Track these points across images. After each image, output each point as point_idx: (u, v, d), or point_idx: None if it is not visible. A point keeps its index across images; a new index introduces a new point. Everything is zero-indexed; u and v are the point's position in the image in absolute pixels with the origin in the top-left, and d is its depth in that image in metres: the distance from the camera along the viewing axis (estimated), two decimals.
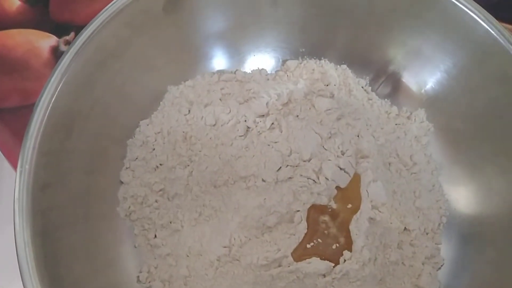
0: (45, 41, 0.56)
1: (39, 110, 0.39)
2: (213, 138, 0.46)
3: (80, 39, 0.42)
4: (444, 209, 0.48)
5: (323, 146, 0.45)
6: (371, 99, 0.51)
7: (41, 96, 0.39)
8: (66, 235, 0.40)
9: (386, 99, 0.51)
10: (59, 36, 0.56)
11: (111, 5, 0.43)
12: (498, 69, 0.43)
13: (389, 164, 0.48)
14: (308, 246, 0.43)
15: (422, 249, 0.46)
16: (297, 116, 0.46)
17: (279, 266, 0.42)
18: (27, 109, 0.53)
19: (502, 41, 0.42)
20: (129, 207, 0.45)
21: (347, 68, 0.52)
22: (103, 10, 0.42)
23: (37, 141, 0.38)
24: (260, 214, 0.43)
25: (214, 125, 0.47)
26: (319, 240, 0.43)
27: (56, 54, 0.55)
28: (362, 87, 0.52)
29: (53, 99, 0.39)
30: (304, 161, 0.44)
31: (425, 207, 0.47)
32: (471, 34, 0.44)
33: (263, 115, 0.47)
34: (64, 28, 0.56)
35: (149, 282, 0.44)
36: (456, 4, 0.43)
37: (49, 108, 0.39)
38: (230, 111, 0.48)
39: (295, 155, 0.44)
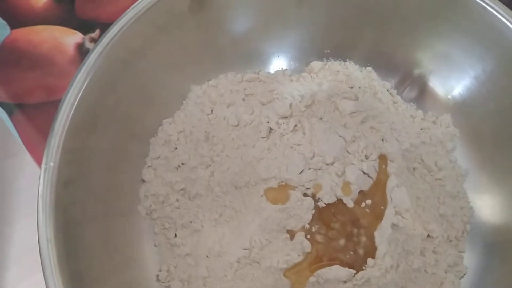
0: (71, 38, 0.56)
1: (64, 108, 0.39)
2: (235, 138, 0.46)
3: (106, 38, 0.42)
4: (468, 216, 0.47)
5: (346, 150, 0.44)
6: (396, 103, 0.50)
7: (67, 94, 0.39)
8: (87, 231, 0.40)
9: (411, 103, 0.51)
10: (84, 33, 0.56)
11: (136, 4, 0.43)
12: None
13: (414, 169, 0.47)
14: (331, 250, 0.42)
15: (445, 256, 0.45)
16: (321, 118, 0.46)
17: (297, 272, 0.42)
18: (51, 105, 0.53)
19: None
20: (150, 205, 0.45)
21: (372, 71, 0.51)
22: (129, 9, 0.43)
23: (61, 138, 0.38)
24: (281, 217, 0.42)
25: (236, 125, 0.47)
26: (341, 245, 0.43)
27: (81, 51, 0.56)
28: (387, 90, 0.51)
29: (79, 97, 0.39)
30: (327, 164, 0.44)
31: (449, 214, 0.46)
32: (500, 39, 0.43)
33: (286, 117, 0.46)
34: (89, 25, 0.57)
35: (168, 281, 0.44)
36: (486, 8, 0.42)
37: (74, 106, 0.39)
38: (253, 112, 0.47)
39: (318, 158, 0.44)
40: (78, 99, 0.39)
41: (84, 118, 0.40)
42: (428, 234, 0.45)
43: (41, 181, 0.37)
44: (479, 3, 0.43)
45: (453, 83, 0.48)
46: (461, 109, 0.49)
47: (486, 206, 0.47)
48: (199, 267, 0.43)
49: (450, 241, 0.46)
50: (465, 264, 0.45)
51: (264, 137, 0.45)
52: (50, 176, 0.37)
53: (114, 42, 0.42)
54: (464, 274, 0.45)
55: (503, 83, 0.45)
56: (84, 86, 0.40)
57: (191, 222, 0.45)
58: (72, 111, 0.39)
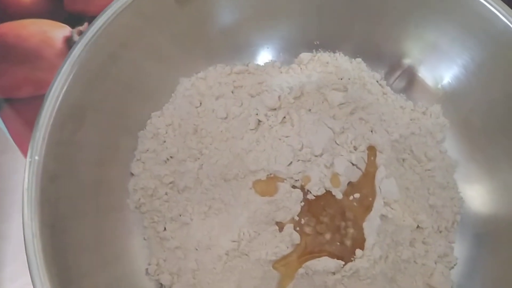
0: (59, 31, 0.56)
1: (49, 101, 0.38)
2: (224, 131, 0.46)
3: (92, 29, 0.42)
4: (458, 207, 0.47)
5: (335, 141, 0.44)
6: (386, 94, 0.50)
7: (52, 86, 0.39)
8: (75, 226, 0.39)
9: (401, 94, 0.50)
10: (72, 26, 0.56)
11: None
12: None
13: (403, 160, 0.47)
14: (319, 242, 0.42)
15: (435, 247, 0.45)
16: (310, 110, 0.46)
17: (287, 263, 0.42)
18: (40, 100, 0.52)
19: None
20: (139, 199, 0.45)
21: (362, 62, 0.51)
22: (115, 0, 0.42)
23: (47, 131, 0.38)
24: (270, 209, 0.42)
25: (225, 118, 0.46)
26: (330, 237, 0.42)
27: (70, 44, 0.55)
28: (377, 81, 0.51)
29: (64, 90, 0.39)
30: (316, 156, 0.44)
31: (439, 205, 0.46)
32: (489, 29, 0.43)
33: (275, 109, 0.46)
34: (78, 18, 0.56)
35: (158, 274, 0.44)
36: None
37: (60, 99, 0.39)
38: (241, 104, 0.47)
39: (306, 149, 0.43)
40: (63, 92, 0.39)
41: (70, 111, 0.40)
42: (418, 225, 0.44)
43: (26, 174, 0.36)
44: None
45: (443, 73, 0.48)
46: (451, 99, 0.48)
47: (476, 196, 0.47)
48: (188, 260, 0.43)
49: (440, 231, 0.46)
50: (455, 254, 0.46)
51: (252, 129, 0.45)
52: (35, 170, 0.37)
53: (100, 34, 0.42)
54: (454, 265, 0.45)
55: (492, 72, 0.44)
56: (70, 79, 0.40)
57: (180, 215, 0.44)
58: (57, 104, 0.39)
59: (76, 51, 0.41)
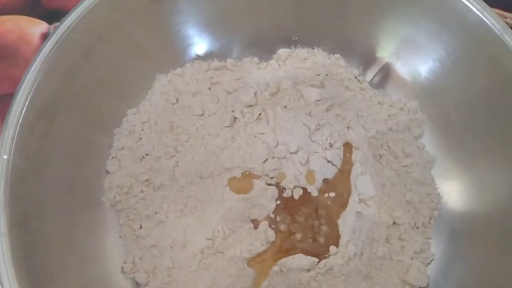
0: (36, 28, 0.55)
1: (18, 99, 0.38)
2: (200, 128, 0.45)
3: (64, 24, 0.41)
4: (436, 203, 0.47)
5: (310, 138, 0.44)
6: (363, 90, 0.50)
7: (21, 84, 0.38)
8: (46, 225, 0.39)
9: (379, 90, 0.50)
10: (50, 22, 0.55)
11: None
12: (492, 60, 0.42)
13: (380, 156, 0.46)
14: (294, 240, 0.42)
15: (412, 243, 0.45)
16: (285, 106, 0.45)
17: (262, 261, 0.42)
18: None
19: (496, 31, 0.41)
20: (115, 197, 0.45)
21: (340, 58, 0.51)
22: None
23: (16, 130, 0.37)
24: (245, 207, 0.42)
25: (201, 115, 0.46)
26: (305, 234, 0.42)
27: None
28: (356, 77, 0.50)
29: (34, 88, 0.39)
30: (291, 153, 0.43)
31: (415, 201, 0.45)
32: (465, 24, 0.43)
33: (251, 105, 0.46)
34: (55, 14, 0.56)
35: (134, 273, 0.43)
36: None
37: (29, 97, 0.39)
38: (218, 101, 0.47)
39: (281, 147, 0.43)
40: (33, 90, 0.39)
41: (41, 109, 0.40)
42: (394, 221, 0.44)
43: None
44: None
45: (420, 68, 0.48)
46: (429, 95, 0.48)
47: (453, 192, 0.47)
48: (163, 258, 0.43)
49: (417, 227, 0.46)
50: (431, 251, 0.45)
51: (228, 126, 0.45)
52: (3, 169, 0.36)
53: (73, 29, 0.41)
54: (431, 261, 0.45)
55: (468, 67, 0.44)
56: (40, 77, 0.39)
57: (156, 213, 0.44)
58: (27, 103, 0.38)
59: (47, 47, 0.40)
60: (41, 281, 0.37)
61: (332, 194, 0.43)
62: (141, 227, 0.44)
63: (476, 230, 0.44)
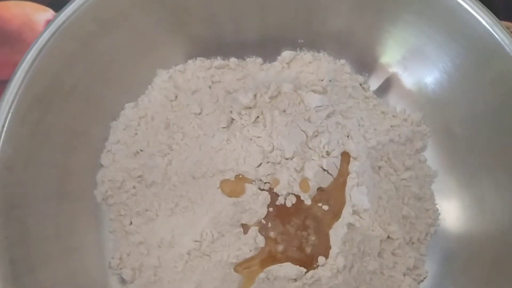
0: (42, 15, 0.55)
1: (12, 86, 0.38)
2: (196, 127, 0.45)
3: (67, 10, 0.41)
4: (433, 219, 0.45)
5: (307, 145, 0.43)
6: (367, 98, 0.49)
7: (15, 74, 0.38)
8: (33, 214, 0.39)
9: (383, 98, 0.49)
10: (56, 10, 0.55)
11: None
12: (500, 76, 0.41)
13: (379, 168, 0.45)
14: (283, 248, 0.41)
15: (405, 259, 0.44)
16: (284, 110, 0.44)
17: (249, 267, 0.41)
18: None
19: (506, 47, 0.40)
20: (107, 191, 0.44)
21: (346, 63, 0.49)
22: None
23: (7, 119, 0.37)
24: (235, 211, 0.41)
25: (199, 113, 0.46)
26: (295, 243, 0.41)
27: None
28: (360, 84, 0.49)
29: (27, 78, 0.38)
30: (287, 159, 0.42)
31: (412, 216, 0.44)
32: (474, 37, 0.41)
33: (250, 107, 0.45)
34: (62, 2, 0.55)
35: (120, 269, 0.43)
36: (461, 4, 0.40)
37: (24, 84, 0.38)
38: (217, 100, 0.46)
39: (277, 152, 0.42)
40: (27, 78, 0.38)
41: (36, 97, 0.39)
42: (388, 236, 0.43)
43: None
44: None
45: (426, 79, 0.47)
46: (434, 107, 0.47)
47: (452, 209, 0.46)
48: (150, 256, 0.43)
49: (412, 243, 0.45)
50: (425, 268, 0.44)
51: (224, 127, 0.44)
52: None
53: (74, 17, 0.41)
54: (424, 278, 0.44)
55: (475, 82, 0.43)
56: (36, 65, 0.39)
57: (146, 210, 0.44)
58: (20, 90, 0.38)
59: (46, 34, 0.40)
60: (26, 271, 0.37)
61: (326, 204, 0.42)
62: (131, 223, 0.44)
63: (472, 250, 0.43)
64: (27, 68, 0.38)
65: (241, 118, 0.44)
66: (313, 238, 0.41)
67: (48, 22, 0.54)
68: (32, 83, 0.39)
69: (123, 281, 0.43)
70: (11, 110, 0.37)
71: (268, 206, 0.42)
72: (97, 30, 0.43)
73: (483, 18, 0.40)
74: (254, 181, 0.42)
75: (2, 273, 0.35)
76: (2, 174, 0.36)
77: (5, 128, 0.37)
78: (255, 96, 0.45)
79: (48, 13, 0.55)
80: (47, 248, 0.40)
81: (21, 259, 0.37)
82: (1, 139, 0.36)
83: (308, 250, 0.41)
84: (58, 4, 0.54)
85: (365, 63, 0.49)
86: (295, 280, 0.40)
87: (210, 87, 0.47)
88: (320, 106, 0.45)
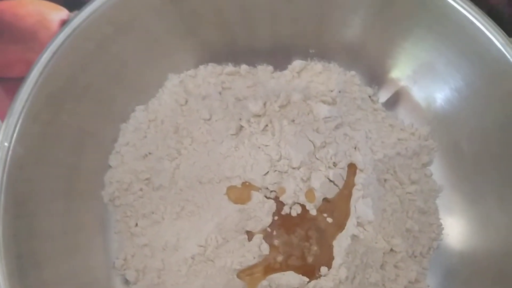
0: (56, 14, 0.55)
1: (26, 86, 0.38)
2: (205, 133, 0.45)
3: (84, 12, 0.42)
4: (437, 233, 0.46)
5: (315, 155, 0.43)
6: (376, 110, 0.49)
7: (30, 73, 0.39)
8: (41, 212, 0.39)
9: (392, 111, 0.49)
10: (70, 10, 0.55)
11: None
12: (510, 95, 0.41)
13: (385, 180, 0.46)
14: (286, 257, 0.42)
15: (407, 272, 0.44)
16: (293, 120, 0.45)
17: (252, 273, 0.41)
18: None
19: None
20: (114, 192, 0.45)
21: (356, 75, 0.50)
22: None
23: (20, 118, 0.37)
24: (241, 218, 0.42)
25: (208, 119, 0.46)
26: (299, 252, 0.42)
27: None
28: (369, 96, 0.49)
29: (42, 78, 0.39)
30: (293, 168, 0.43)
31: (416, 230, 0.44)
32: (485, 56, 0.41)
33: (259, 115, 0.45)
34: (76, 2, 0.56)
35: (124, 269, 0.43)
36: (473, 22, 0.41)
37: (38, 84, 0.39)
38: (227, 106, 0.46)
39: (284, 161, 0.43)
40: (42, 78, 0.39)
41: (49, 97, 0.39)
42: (392, 248, 0.43)
43: None
44: (467, 16, 0.41)
45: (436, 95, 0.47)
46: (442, 122, 0.47)
47: (456, 225, 0.46)
48: (155, 258, 0.43)
49: (415, 256, 0.45)
50: (426, 282, 0.44)
51: (233, 134, 0.44)
52: (3, 156, 0.36)
53: (91, 19, 0.41)
54: None
55: (485, 100, 0.43)
56: (51, 65, 0.39)
57: (152, 213, 0.44)
58: (34, 91, 0.38)
59: (63, 35, 0.40)
60: (31, 268, 0.37)
61: (331, 215, 0.43)
62: (136, 225, 0.44)
63: (474, 267, 0.43)
64: (41, 68, 0.39)
65: (250, 126, 0.45)
66: (316, 248, 0.42)
67: (63, 21, 0.55)
68: (46, 83, 0.39)
69: (126, 282, 0.43)
70: (24, 110, 0.38)
71: (273, 215, 0.43)
72: (112, 33, 0.43)
73: (496, 38, 0.40)
74: (261, 189, 0.43)
75: (9, 268, 0.35)
76: (12, 172, 0.37)
77: (17, 128, 0.37)
78: (264, 104, 0.45)
79: (63, 12, 0.55)
80: (53, 246, 0.40)
81: (27, 255, 0.37)
82: (14, 138, 0.37)
83: (311, 260, 0.42)
84: (72, 4, 0.55)
85: (375, 76, 0.50)
86: None
87: (220, 93, 0.48)
88: (329, 117, 0.45)
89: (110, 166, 0.46)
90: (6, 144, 0.36)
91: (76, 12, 0.53)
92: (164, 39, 0.47)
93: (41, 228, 0.39)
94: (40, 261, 0.38)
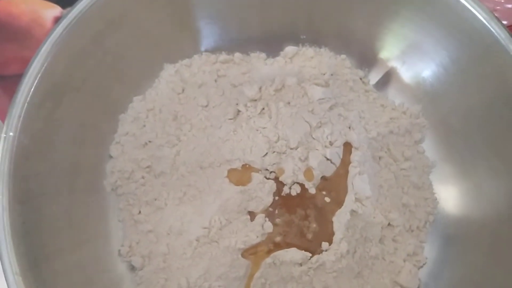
0: (49, 11, 0.56)
1: (27, 79, 0.39)
2: (203, 119, 0.46)
3: (76, 9, 0.42)
4: (432, 207, 0.47)
5: (311, 135, 0.45)
6: (368, 91, 0.50)
7: (30, 65, 0.39)
8: (48, 204, 0.40)
9: (383, 92, 0.51)
10: (63, 6, 0.56)
11: None
12: (496, 70, 0.42)
13: (379, 158, 0.47)
14: (288, 235, 0.43)
15: (405, 245, 0.45)
16: (289, 102, 0.46)
17: (256, 252, 0.42)
18: None
19: (502, 41, 0.41)
20: (116, 181, 0.46)
21: (346, 58, 0.51)
22: None
23: (23, 109, 0.38)
24: (242, 199, 0.43)
25: (205, 106, 0.47)
26: (300, 229, 0.43)
27: None
28: (360, 79, 0.51)
29: (42, 70, 0.40)
30: (291, 148, 0.44)
31: (412, 204, 0.46)
32: (471, 32, 0.43)
33: (255, 100, 0.46)
34: None
35: (130, 256, 0.44)
36: (458, 0, 0.42)
37: (38, 77, 0.39)
38: (223, 93, 0.48)
39: (282, 142, 0.44)
40: (42, 70, 0.40)
41: (49, 90, 0.40)
42: (389, 223, 0.45)
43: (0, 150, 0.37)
44: None
45: (424, 74, 0.48)
46: (432, 100, 0.49)
47: (450, 197, 0.47)
48: (160, 244, 0.44)
49: (412, 230, 0.46)
50: (424, 254, 0.46)
51: (231, 119, 0.46)
52: (9, 146, 0.37)
53: (84, 14, 0.42)
54: (424, 264, 0.46)
55: (472, 75, 0.45)
56: (49, 58, 0.40)
57: (155, 200, 0.45)
58: (35, 83, 0.39)
59: (58, 30, 0.41)
60: (41, 260, 0.38)
61: (329, 192, 0.44)
62: (140, 212, 0.45)
63: (469, 236, 0.45)
64: (42, 60, 0.40)
65: (247, 110, 0.46)
66: (316, 225, 0.43)
67: (56, 19, 0.55)
68: (46, 76, 0.40)
69: (132, 268, 0.44)
70: (27, 101, 0.38)
71: (274, 195, 0.44)
72: (105, 29, 0.44)
73: (480, 13, 0.42)
74: (260, 170, 0.44)
75: (20, 261, 0.36)
76: (20, 163, 0.37)
77: (21, 118, 0.38)
78: (260, 89, 0.46)
79: (56, 9, 0.56)
80: (60, 237, 0.41)
81: (36, 248, 0.38)
82: (18, 129, 0.38)
83: (312, 236, 0.43)
84: (65, 1, 0.56)
85: (365, 58, 0.51)
86: (301, 264, 0.42)
87: (216, 81, 0.49)
88: (323, 99, 0.46)
89: (111, 157, 0.47)
90: (11, 134, 0.37)
91: (68, 8, 0.54)
92: (156, 31, 0.48)
93: (48, 220, 0.40)
94: (49, 253, 0.39)
